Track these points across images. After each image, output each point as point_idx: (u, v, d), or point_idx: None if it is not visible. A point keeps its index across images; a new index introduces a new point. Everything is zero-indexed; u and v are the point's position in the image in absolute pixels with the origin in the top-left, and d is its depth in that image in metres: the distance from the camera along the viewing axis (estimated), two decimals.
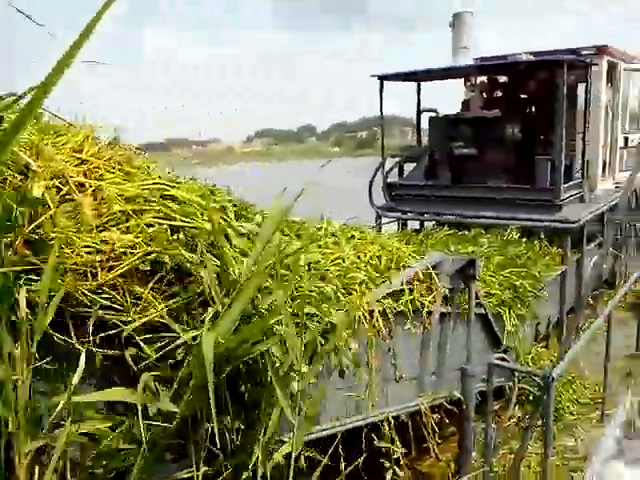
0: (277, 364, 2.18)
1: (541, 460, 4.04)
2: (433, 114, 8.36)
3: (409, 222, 8.48)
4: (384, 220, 8.29)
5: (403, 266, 3.79)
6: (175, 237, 2.19)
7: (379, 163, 8.14)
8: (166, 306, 2.14)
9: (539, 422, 4.09)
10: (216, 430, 1.92)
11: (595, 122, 7.66)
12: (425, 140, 8.89)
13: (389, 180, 8.17)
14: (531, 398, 5.28)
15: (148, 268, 2.12)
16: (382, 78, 7.71)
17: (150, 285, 2.14)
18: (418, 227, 8.27)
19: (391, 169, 8.26)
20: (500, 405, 5.16)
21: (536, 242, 6.43)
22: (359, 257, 3.69)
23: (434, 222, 7.62)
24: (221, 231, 2.26)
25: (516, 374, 5.05)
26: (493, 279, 5.05)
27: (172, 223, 2.22)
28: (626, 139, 8.85)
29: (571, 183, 7.08)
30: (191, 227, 2.24)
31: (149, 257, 2.12)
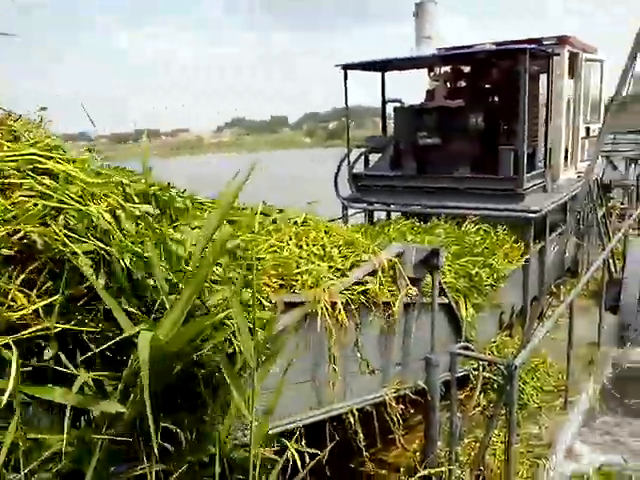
0: (228, 360, 2.09)
1: (506, 448, 4.06)
2: (398, 104, 8.32)
3: (376, 213, 8.47)
4: (351, 211, 8.26)
5: (358, 259, 3.70)
6: (44, 212, 1.85)
7: (344, 154, 8.09)
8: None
9: (503, 410, 4.11)
10: (153, 429, 1.79)
11: (557, 112, 7.71)
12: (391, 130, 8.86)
13: (355, 171, 8.13)
14: (495, 386, 5.31)
15: (11, 253, 1.78)
16: (346, 67, 7.65)
17: (21, 277, 1.80)
18: (384, 218, 8.27)
19: (356, 160, 8.22)
20: (465, 394, 5.19)
21: (492, 233, 6.42)
22: (300, 246, 3.50)
23: (400, 213, 7.63)
24: (106, 212, 1.96)
25: (480, 363, 5.08)
26: (449, 268, 5.05)
27: (47, 203, 1.87)
28: (588, 129, 8.95)
29: (534, 173, 7.12)
30: (71, 208, 1.90)
31: (12, 238, 1.77)
